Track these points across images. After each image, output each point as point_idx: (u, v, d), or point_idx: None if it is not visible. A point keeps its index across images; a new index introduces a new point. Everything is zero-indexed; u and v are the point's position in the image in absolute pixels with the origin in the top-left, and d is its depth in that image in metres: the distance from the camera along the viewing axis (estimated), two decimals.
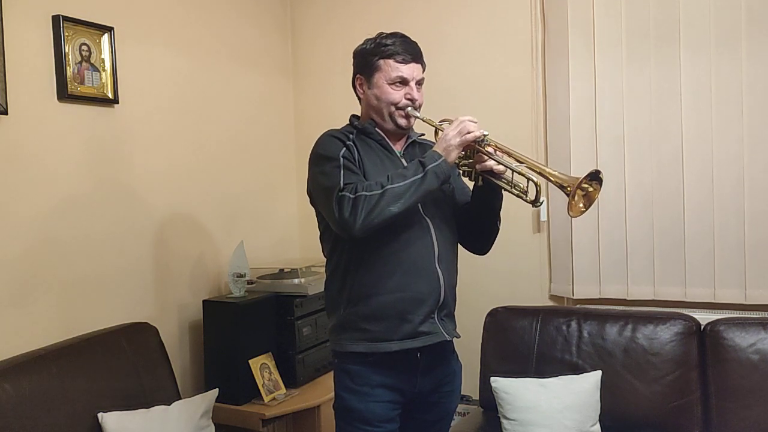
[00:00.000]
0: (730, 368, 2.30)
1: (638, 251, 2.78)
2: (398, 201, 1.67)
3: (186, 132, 2.89)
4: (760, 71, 2.56)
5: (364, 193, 1.67)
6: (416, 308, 1.78)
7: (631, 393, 2.39)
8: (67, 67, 2.36)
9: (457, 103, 3.10)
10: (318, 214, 1.88)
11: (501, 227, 1.95)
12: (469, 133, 1.74)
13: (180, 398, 2.50)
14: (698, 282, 2.68)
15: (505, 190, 1.81)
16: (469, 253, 2.00)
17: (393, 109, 1.85)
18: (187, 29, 2.90)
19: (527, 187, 1.78)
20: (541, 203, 1.82)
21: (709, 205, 2.65)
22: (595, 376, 2.40)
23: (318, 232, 1.93)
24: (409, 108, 1.85)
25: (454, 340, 1.90)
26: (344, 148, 1.79)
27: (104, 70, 2.50)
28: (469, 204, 1.93)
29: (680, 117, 2.68)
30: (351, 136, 1.85)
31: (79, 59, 2.42)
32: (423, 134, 2.00)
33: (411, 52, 1.86)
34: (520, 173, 1.75)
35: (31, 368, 2.07)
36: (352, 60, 1.94)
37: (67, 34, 2.36)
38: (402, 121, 1.87)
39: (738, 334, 2.32)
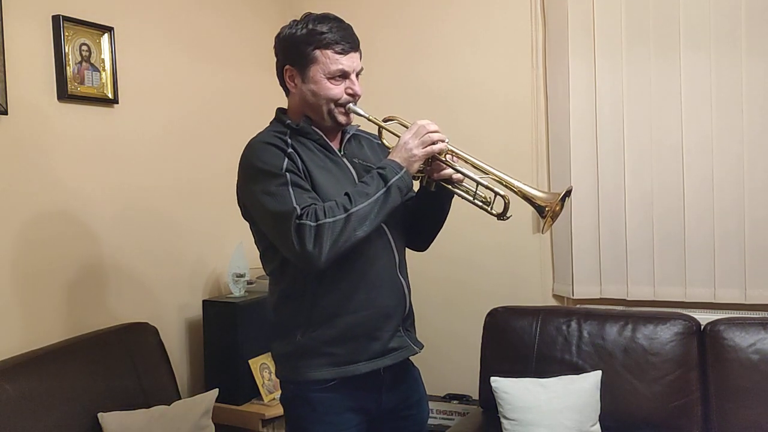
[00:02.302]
0: (730, 368, 2.30)
1: (638, 251, 2.77)
2: (364, 224, 1.51)
3: (186, 132, 2.89)
4: (760, 71, 2.55)
5: (326, 220, 1.48)
6: (384, 324, 1.65)
7: (631, 393, 2.39)
8: (67, 67, 2.36)
9: (456, 103, 3.11)
10: (257, 232, 1.68)
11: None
12: (433, 143, 1.59)
13: (180, 398, 2.50)
14: (698, 282, 2.68)
15: (464, 199, 1.69)
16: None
17: (333, 106, 1.65)
18: (187, 29, 2.90)
19: (493, 199, 1.66)
20: (509, 217, 1.65)
21: (710, 204, 2.65)
22: (595, 376, 2.40)
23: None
24: (350, 105, 1.66)
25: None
26: (286, 159, 1.57)
27: (104, 70, 2.50)
28: (415, 204, 1.77)
29: (680, 117, 2.68)
30: (288, 139, 1.63)
31: (79, 59, 2.42)
32: (359, 126, 1.80)
33: (350, 39, 1.64)
34: (486, 187, 1.63)
35: (31, 368, 2.07)
36: (275, 46, 1.71)
37: (67, 34, 2.36)
38: (342, 119, 1.67)
39: (738, 334, 2.32)
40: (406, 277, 1.74)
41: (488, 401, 2.52)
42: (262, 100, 3.36)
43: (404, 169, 1.58)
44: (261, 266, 3.07)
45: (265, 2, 3.38)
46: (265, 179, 1.56)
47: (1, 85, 2.14)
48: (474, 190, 1.68)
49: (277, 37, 1.71)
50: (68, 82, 2.36)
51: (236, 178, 1.69)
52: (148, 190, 2.70)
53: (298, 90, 1.67)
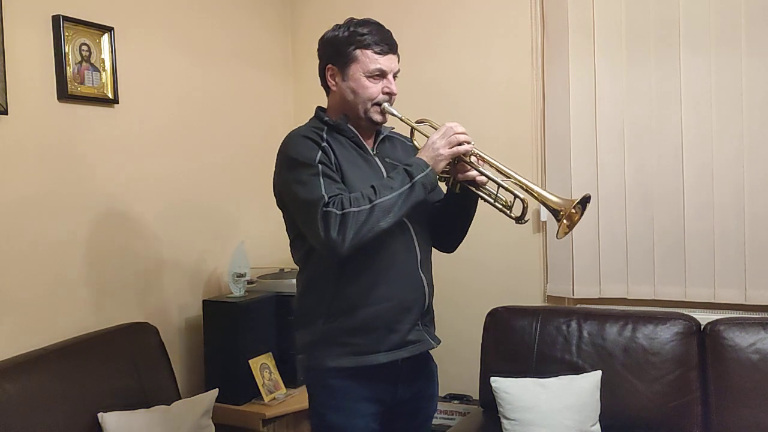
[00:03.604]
0: (730, 368, 2.30)
1: (638, 251, 2.77)
2: (387, 215, 1.58)
3: (186, 132, 2.89)
4: (760, 71, 2.55)
5: (351, 209, 1.56)
6: (403, 317, 1.72)
7: (631, 393, 2.39)
8: (67, 67, 2.36)
9: (456, 104, 3.10)
10: (289, 220, 1.77)
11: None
12: (459, 144, 1.67)
13: (180, 398, 2.50)
14: (698, 282, 2.67)
15: (486, 202, 1.76)
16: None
17: (369, 105, 1.74)
18: (187, 29, 2.90)
19: (513, 202, 1.72)
20: (527, 221, 1.72)
21: (709, 204, 2.64)
22: (595, 376, 2.40)
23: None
24: (386, 105, 1.75)
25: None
26: (320, 152, 1.65)
27: (104, 70, 2.50)
28: (442, 205, 1.85)
29: (680, 117, 2.67)
30: (324, 134, 1.72)
31: (79, 59, 2.42)
32: (393, 128, 1.89)
33: (388, 41, 1.75)
34: (507, 189, 1.70)
35: (31, 368, 2.07)
36: (318, 48, 1.82)
37: (67, 34, 2.36)
38: (378, 117, 1.76)
39: (738, 334, 2.32)
40: (427, 275, 1.80)
41: (488, 401, 2.52)
42: (262, 99, 3.37)
43: (430, 167, 1.65)
44: (261, 266, 3.11)
45: (264, 3, 3.38)
46: (298, 169, 1.65)
47: (1, 85, 2.14)
48: (495, 193, 1.74)
49: (321, 39, 1.81)
50: (68, 82, 2.36)
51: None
52: (148, 189, 2.70)
53: (339, 88, 1.77)
